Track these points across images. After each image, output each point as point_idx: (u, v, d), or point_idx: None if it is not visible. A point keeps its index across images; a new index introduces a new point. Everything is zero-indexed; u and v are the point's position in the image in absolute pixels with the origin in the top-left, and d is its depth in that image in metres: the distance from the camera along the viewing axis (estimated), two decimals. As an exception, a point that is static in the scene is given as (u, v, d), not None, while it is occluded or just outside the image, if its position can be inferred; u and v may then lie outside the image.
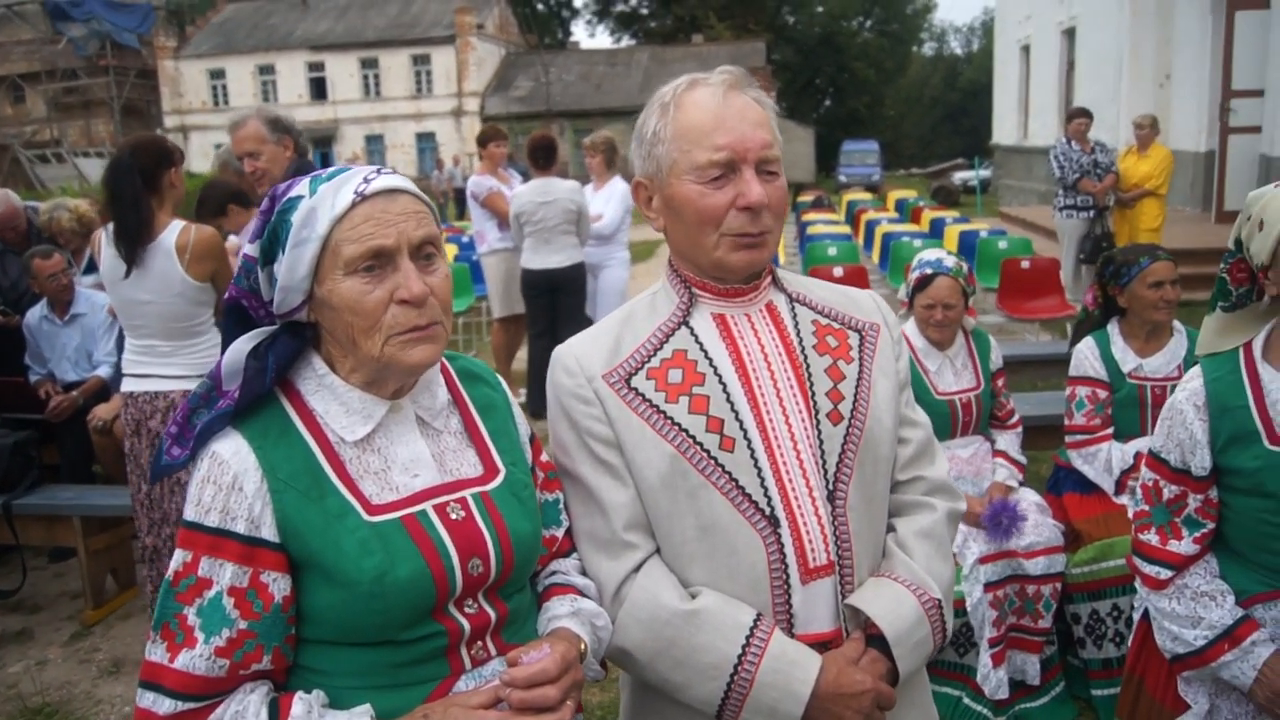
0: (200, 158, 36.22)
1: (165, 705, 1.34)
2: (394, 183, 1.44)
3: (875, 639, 1.61)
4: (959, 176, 32.04)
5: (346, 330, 1.42)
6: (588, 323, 7.30)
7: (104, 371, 5.35)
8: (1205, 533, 2.05)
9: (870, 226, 13.11)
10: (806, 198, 20.90)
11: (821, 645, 1.60)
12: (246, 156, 4.31)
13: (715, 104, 1.61)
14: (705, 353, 1.66)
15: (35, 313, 5.49)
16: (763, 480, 1.60)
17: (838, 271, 7.88)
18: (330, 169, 1.48)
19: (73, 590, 5.02)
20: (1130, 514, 2.19)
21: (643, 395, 1.64)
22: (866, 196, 21.06)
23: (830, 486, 1.62)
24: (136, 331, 4.03)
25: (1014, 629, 3.48)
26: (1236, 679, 1.96)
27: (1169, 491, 2.06)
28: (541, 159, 7.11)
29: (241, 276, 1.49)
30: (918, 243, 9.89)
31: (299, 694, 1.39)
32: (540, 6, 60.21)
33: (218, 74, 46.05)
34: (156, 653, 1.36)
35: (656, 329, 1.70)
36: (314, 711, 1.37)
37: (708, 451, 1.60)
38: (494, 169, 7.70)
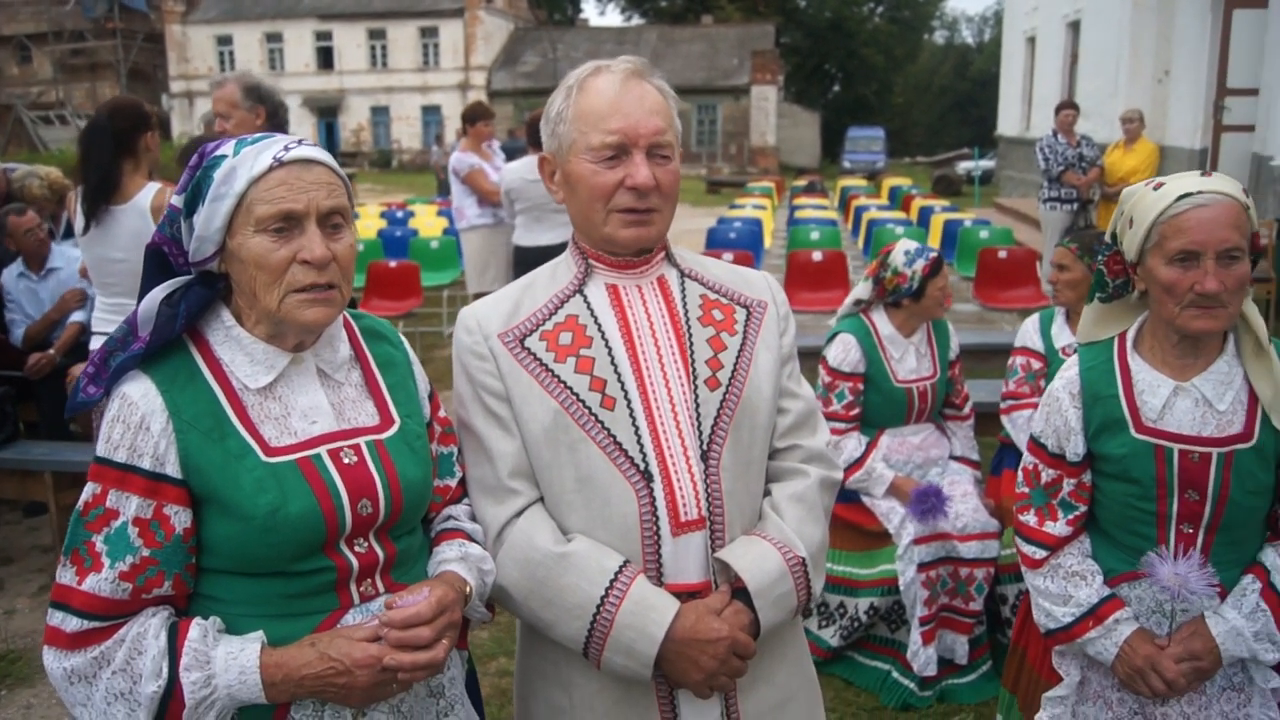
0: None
1: (72, 624, 1.46)
2: (311, 154, 1.56)
3: (740, 592, 1.72)
4: (963, 166, 32.00)
5: (250, 283, 1.53)
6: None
7: (80, 315, 5.44)
8: (1078, 515, 2.14)
9: (859, 213, 13.18)
10: (800, 182, 20.96)
11: (691, 595, 1.72)
12: (218, 116, 4.44)
13: (613, 90, 1.73)
14: (595, 318, 1.79)
15: (11, 270, 5.58)
16: (639, 437, 1.72)
17: (816, 256, 7.98)
18: (256, 135, 1.59)
19: (44, 544, 5.15)
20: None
21: (534, 354, 1.76)
22: (862, 183, 21.08)
23: (704, 447, 1.74)
24: (108, 289, 4.13)
25: (945, 609, 3.59)
26: (1100, 654, 2.06)
27: (1046, 475, 2.15)
28: (534, 137, 7.19)
29: (166, 224, 1.60)
30: (900, 230, 9.96)
31: (196, 619, 1.51)
32: (550, -18, 59.96)
33: (225, 40, 46.00)
34: (66, 576, 1.48)
35: (553, 295, 1.82)
36: (209, 635, 1.49)
37: (589, 408, 1.72)
38: (477, 146, 7.75)
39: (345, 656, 1.48)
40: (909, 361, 3.71)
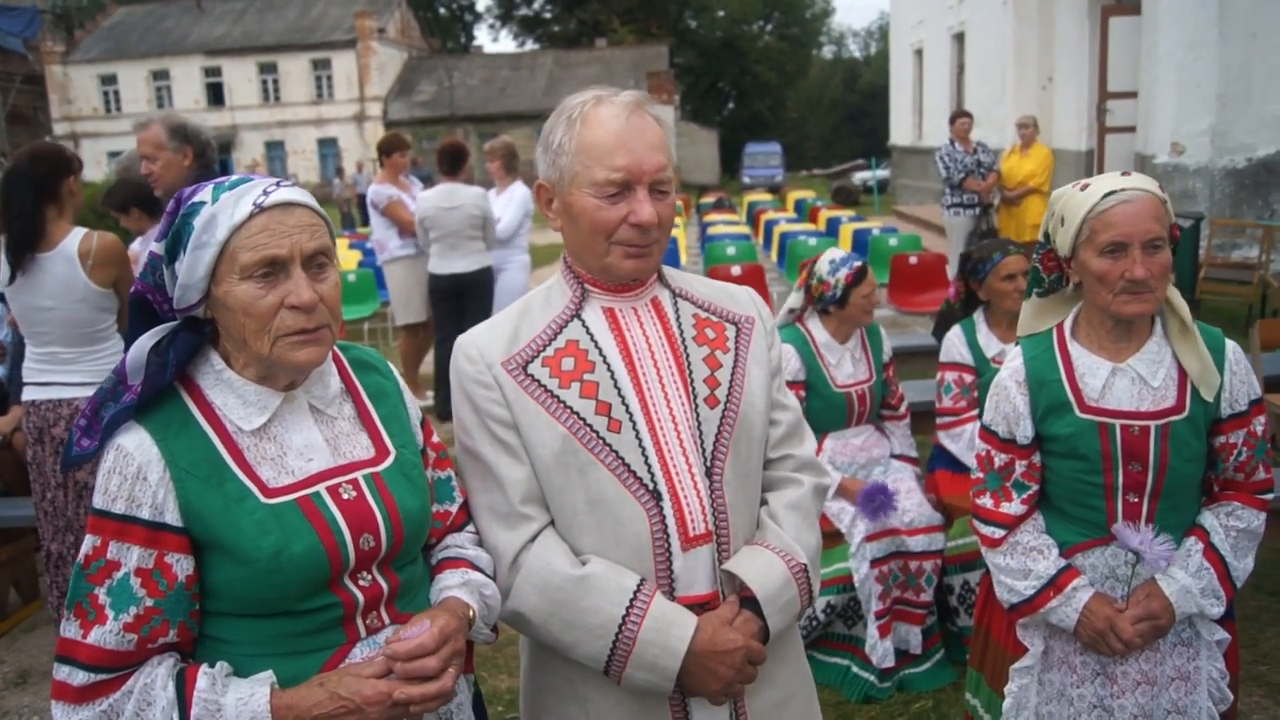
0: (92, 166, 35.12)
1: (79, 677, 1.46)
2: (292, 196, 1.56)
3: (748, 600, 1.80)
4: (859, 177, 32.85)
5: (239, 329, 1.54)
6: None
7: None
8: (1031, 494, 2.30)
9: (769, 226, 13.46)
10: (708, 199, 21.26)
11: (701, 606, 1.78)
12: (144, 159, 4.40)
13: (618, 124, 1.74)
14: (596, 343, 1.83)
15: (-77, 325, 5.41)
16: (646, 458, 1.77)
17: (735, 270, 8.13)
18: (234, 177, 1.59)
19: (-26, 605, 4.98)
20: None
21: (538, 381, 1.79)
22: (767, 197, 21.49)
23: (708, 463, 1.80)
24: (38, 339, 4.05)
25: (898, 602, 3.73)
26: (1063, 622, 2.21)
27: (999, 459, 2.30)
28: (447, 165, 7.21)
29: (148, 272, 1.60)
30: (813, 241, 10.24)
31: (203, 667, 1.50)
32: (442, 10, 59.76)
33: (109, 79, 44.77)
34: (71, 630, 1.48)
35: (551, 320, 1.85)
36: (218, 683, 1.49)
37: (597, 432, 1.77)
38: (394, 177, 7.75)
39: (355, 694, 1.49)
40: (846, 367, 3.85)
